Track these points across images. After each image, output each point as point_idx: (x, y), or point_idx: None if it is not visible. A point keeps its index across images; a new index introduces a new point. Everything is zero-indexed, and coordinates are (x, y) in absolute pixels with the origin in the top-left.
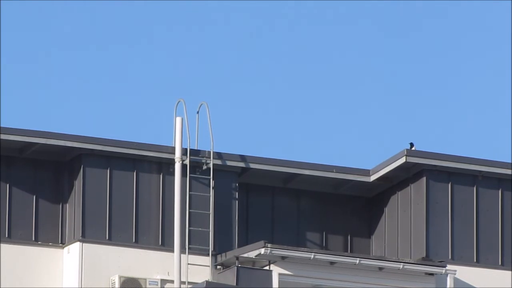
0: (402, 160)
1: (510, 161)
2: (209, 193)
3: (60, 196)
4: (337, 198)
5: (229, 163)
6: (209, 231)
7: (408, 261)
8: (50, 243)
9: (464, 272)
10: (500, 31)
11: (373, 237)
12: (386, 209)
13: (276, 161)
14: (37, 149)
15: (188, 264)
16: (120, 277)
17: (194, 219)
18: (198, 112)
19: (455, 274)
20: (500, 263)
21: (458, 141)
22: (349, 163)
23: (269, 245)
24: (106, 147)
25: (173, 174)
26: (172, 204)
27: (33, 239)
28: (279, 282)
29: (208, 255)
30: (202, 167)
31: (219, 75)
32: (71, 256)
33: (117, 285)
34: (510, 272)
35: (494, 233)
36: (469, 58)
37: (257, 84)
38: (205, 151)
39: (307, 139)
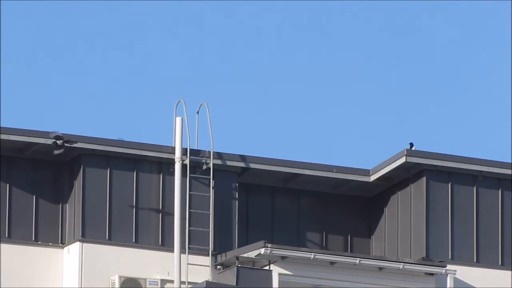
0: (402, 160)
1: (510, 161)
2: (209, 193)
3: (60, 196)
4: (337, 198)
5: (229, 163)
6: (209, 231)
7: (408, 261)
8: (50, 243)
9: (464, 272)
10: (500, 31)
11: (373, 237)
12: (386, 209)
13: (276, 161)
14: (37, 149)
15: (188, 264)
16: (120, 277)
17: (194, 219)
18: (198, 112)
19: (455, 274)
20: (500, 263)
21: (458, 141)
22: (349, 163)
23: (269, 245)
24: (106, 147)
25: (173, 174)
26: (172, 204)
27: (33, 239)
28: (279, 282)
29: (208, 255)
30: (202, 167)
31: (219, 75)
32: (71, 256)
33: (117, 285)
34: (510, 272)
35: (494, 233)
36: (469, 58)
37: (257, 84)
38: (205, 151)
39: (307, 139)
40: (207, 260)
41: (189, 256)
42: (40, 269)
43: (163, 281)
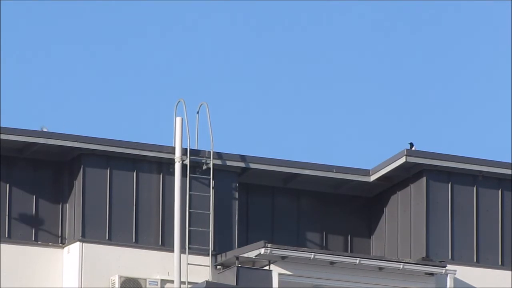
0: (402, 160)
1: (510, 161)
2: (209, 193)
3: (60, 196)
4: (337, 198)
5: (229, 163)
6: (209, 231)
7: (408, 261)
8: (50, 243)
9: (464, 272)
10: (500, 31)
11: (373, 237)
12: (386, 209)
13: (276, 161)
14: (37, 149)
15: (188, 264)
16: (120, 277)
17: (194, 219)
18: (198, 112)
19: (455, 274)
20: (500, 263)
21: (458, 141)
22: (349, 163)
23: (269, 245)
24: (106, 147)
25: (173, 174)
26: (172, 204)
27: (33, 239)
28: (279, 282)
29: (208, 255)
30: (202, 167)
31: (219, 75)
32: (71, 256)
33: (117, 285)
34: (510, 272)
35: (494, 233)
36: (469, 58)
37: (257, 84)
38: (205, 151)
39: (307, 139)
40: (207, 260)
41: (189, 256)
42: (40, 269)
43: (163, 281)
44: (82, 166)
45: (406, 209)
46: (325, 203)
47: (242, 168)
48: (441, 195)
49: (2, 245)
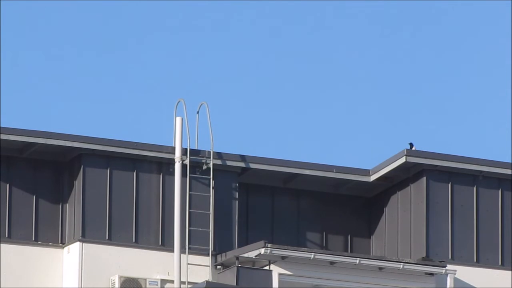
0: (402, 160)
1: (510, 161)
2: (209, 193)
3: (60, 196)
4: (337, 198)
5: (229, 163)
6: (209, 231)
7: (408, 261)
8: (50, 243)
9: (464, 272)
10: (500, 31)
11: (373, 237)
12: (386, 209)
13: (276, 161)
14: (37, 149)
15: (188, 264)
16: (120, 277)
17: (194, 219)
18: (198, 112)
19: (455, 274)
20: (500, 263)
21: (458, 141)
22: (349, 163)
23: (269, 245)
24: (106, 147)
25: (173, 174)
26: (172, 204)
27: (33, 239)
28: (279, 282)
29: (208, 255)
30: (202, 167)
31: (219, 75)
32: (71, 256)
33: (117, 285)
34: (510, 272)
35: (494, 233)
36: (469, 58)
37: (257, 84)
38: (205, 151)
39: (307, 139)
40: (207, 260)
41: (189, 256)
42: (40, 269)
43: (163, 281)
44: (82, 166)
45: (406, 209)
46: (325, 203)
47: (242, 168)
48: (441, 195)
49: (2, 245)
